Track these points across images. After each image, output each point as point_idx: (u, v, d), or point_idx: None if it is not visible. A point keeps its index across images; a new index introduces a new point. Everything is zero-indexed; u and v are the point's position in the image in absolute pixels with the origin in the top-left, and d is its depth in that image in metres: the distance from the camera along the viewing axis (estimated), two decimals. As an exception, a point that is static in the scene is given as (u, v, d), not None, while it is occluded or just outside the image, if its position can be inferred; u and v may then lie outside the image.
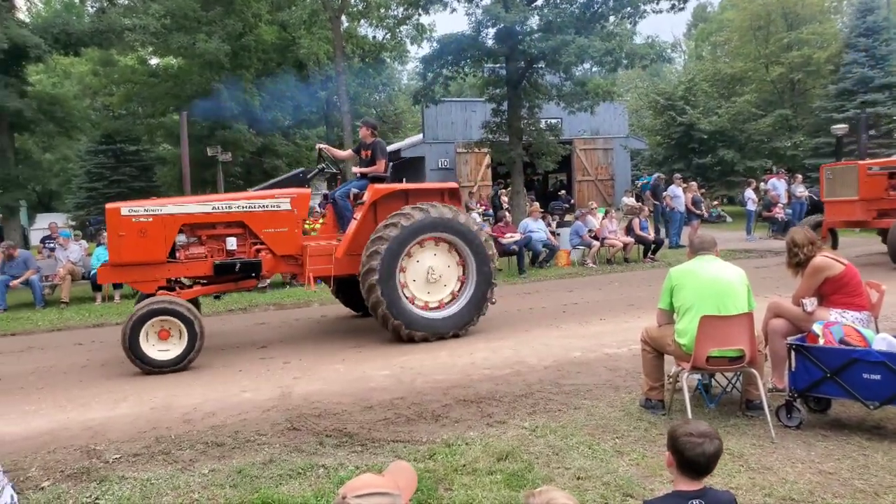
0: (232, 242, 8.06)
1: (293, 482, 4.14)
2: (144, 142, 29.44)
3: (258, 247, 8.18)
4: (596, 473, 4.01)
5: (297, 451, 4.67)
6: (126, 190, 27.35)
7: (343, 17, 21.59)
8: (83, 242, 15.59)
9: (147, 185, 28.64)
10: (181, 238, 7.92)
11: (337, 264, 8.22)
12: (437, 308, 8.19)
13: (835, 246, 13.50)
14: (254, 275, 8.19)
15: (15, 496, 3.05)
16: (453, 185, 8.96)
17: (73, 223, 27.72)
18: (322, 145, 9.42)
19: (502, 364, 6.82)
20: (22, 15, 25.57)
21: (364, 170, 8.89)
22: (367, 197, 8.32)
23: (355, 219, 8.33)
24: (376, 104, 45.74)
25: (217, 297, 12.54)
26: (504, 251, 14.18)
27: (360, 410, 5.51)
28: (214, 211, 8.00)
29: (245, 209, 8.07)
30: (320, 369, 7.02)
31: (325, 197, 9.35)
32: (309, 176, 9.25)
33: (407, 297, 7.99)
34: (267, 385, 6.49)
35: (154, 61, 28.71)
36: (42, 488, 4.28)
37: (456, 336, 8.13)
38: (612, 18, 20.17)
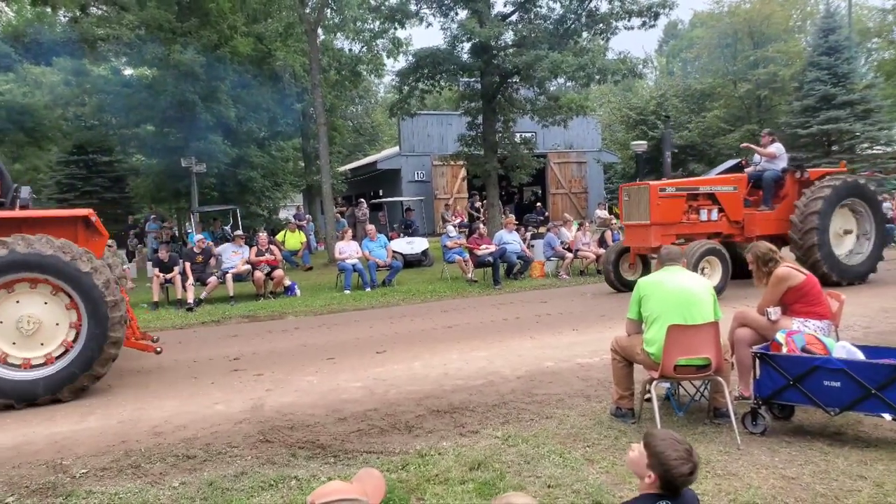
0: None
1: (265, 494, 4.13)
2: (117, 153, 29.12)
3: None
4: (566, 481, 4.05)
5: (269, 463, 4.65)
6: (98, 201, 26.97)
7: (319, 30, 21.59)
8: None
9: (119, 197, 28.33)
10: None
11: None
12: (46, 364, 6.57)
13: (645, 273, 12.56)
14: None
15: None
16: (88, 211, 7.40)
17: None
18: None
19: (476, 374, 6.85)
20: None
21: None
22: None
23: None
24: (353, 116, 45.77)
25: (190, 310, 12.46)
26: (479, 263, 14.28)
27: (332, 422, 5.50)
28: None
29: None
30: (293, 381, 6.99)
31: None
32: None
33: None
34: (239, 397, 6.44)
35: (128, 72, 28.45)
36: (6, 504, 4.22)
37: (81, 390, 6.67)
38: (584, 34, 20.53)
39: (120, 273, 9.47)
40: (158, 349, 7.98)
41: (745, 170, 12.67)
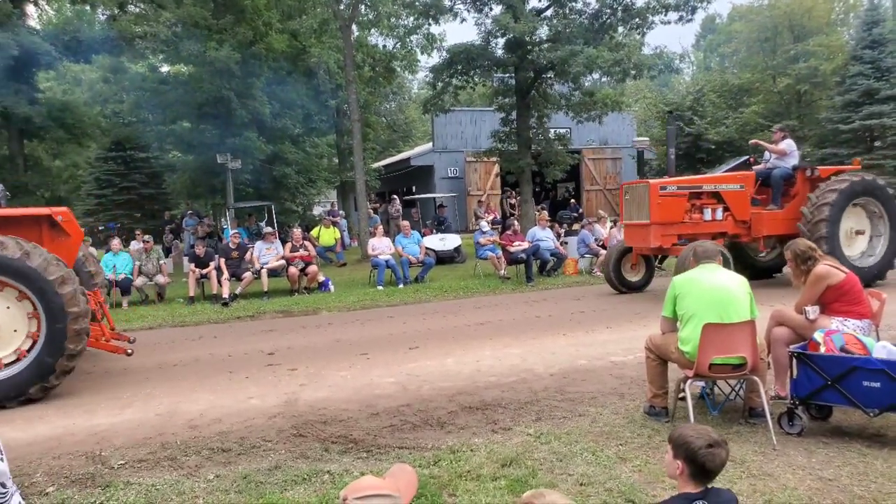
0: None
1: (298, 488, 4.18)
2: (154, 149, 29.66)
3: None
4: (599, 479, 4.04)
5: (302, 457, 4.71)
6: (136, 197, 27.51)
7: (353, 27, 21.71)
8: (91, 249, 15.70)
9: (157, 192, 28.82)
10: None
11: None
12: (35, 343, 6.54)
13: (650, 277, 12.29)
14: None
15: (22, 502, 3.11)
16: (58, 210, 7.28)
17: (82, 230, 27.99)
18: None
19: (508, 371, 6.85)
20: (33, 22, 25.89)
21: None
22: None
23: None
24: (386, 113, 45.94)
25: (225, 305, 12.64)
26: (512, 259, 14.24)
27: (365, 417, 5.54)
28: None
29: None
30: (327, 376, 7.06)
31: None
32: None
33: None
34: (273, 392, 6.53)
35: (165, 69, 28.94)
36: (47, 494, 4.32)
37: (30, 400, 6.50)
38: (620, 29, 20.35)
39: (97, 274, 9.26)
40: (129, 350, 7.71)
41: (754, 167, 12.24)
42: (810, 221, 11.01)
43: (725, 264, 10.08)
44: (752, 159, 12.70)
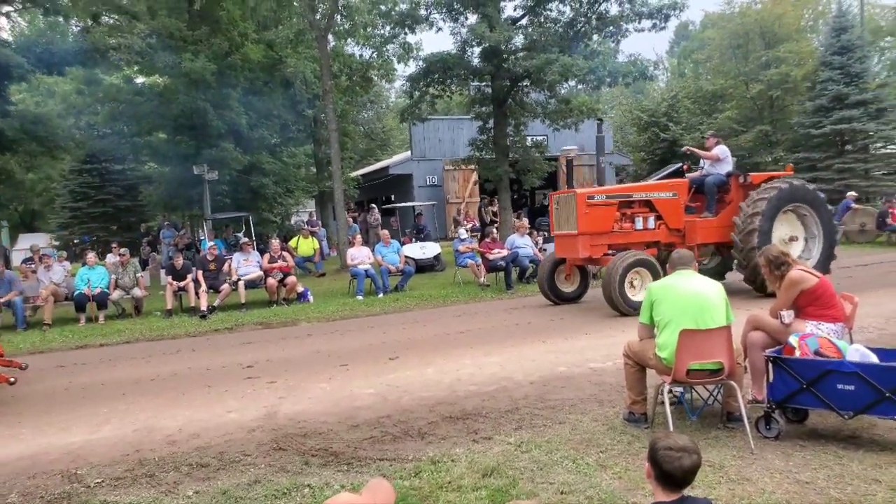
0: None
1: (278, 502, 4.15)
2: (129, 161, 29.33)
3: None
4: (579, 487, 4.05)
5: (282, 471, 4.67)
6: (111, 209, 27.22)
7: (329, 36, 21.67)
8: (66, 263, 15.51)
9: (132, 205, 28.52)
10: None
11: None
12: None
13: (584, 288, 12.13)
14: None
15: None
16: None
17: (57, 243, 27.64)
18: None
19: (488, 380, 6.85)
20: (4, 34, 25.57)
21: None
22: None
23: None
24: (364, 122, 45.88)
25: (203, 317, 12.52)
26: (492, 267, 14.27)
27: (345, 429, 5.51)
28: None
29: None
30: (306, 388, 7.01)
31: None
32: None
33: None
34: (252, 405, 6.47)
35: (140, 80, 28.67)
36: (23, 513, 4.26)
37: None
38: (595, 37, 20.55)
39: None
40: (12, 379, 7.54)
41: (687, 174, 12.09)
42: (742, 231, 10.86)
43: (654, 276, 10.08)
44: (685, 167, 12.63)
